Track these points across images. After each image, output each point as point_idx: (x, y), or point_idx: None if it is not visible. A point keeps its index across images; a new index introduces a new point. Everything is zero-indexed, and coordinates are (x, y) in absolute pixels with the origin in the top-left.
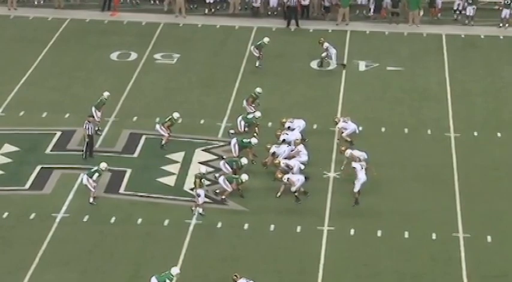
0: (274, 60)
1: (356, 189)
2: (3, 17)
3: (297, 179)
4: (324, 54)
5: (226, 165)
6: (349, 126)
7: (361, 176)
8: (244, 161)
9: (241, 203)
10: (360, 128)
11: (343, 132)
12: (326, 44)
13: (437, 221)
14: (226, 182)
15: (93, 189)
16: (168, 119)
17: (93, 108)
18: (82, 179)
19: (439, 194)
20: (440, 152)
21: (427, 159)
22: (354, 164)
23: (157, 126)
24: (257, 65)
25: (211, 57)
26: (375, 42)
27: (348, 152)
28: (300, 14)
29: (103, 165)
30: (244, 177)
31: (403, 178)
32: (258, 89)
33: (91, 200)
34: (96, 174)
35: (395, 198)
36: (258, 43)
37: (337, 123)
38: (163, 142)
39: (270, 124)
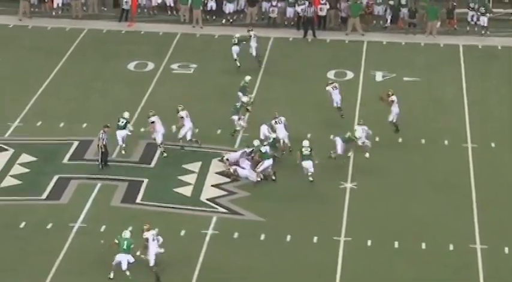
0: (290, 70)
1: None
2: (21, 27)
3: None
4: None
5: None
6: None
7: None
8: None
9: (258, 213)
10: (377, 139)
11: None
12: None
13: (454, 232)
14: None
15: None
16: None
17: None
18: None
19: (456, 205)
20: (458, 162)
21: (444, 170)
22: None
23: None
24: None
25: (228, 67)
26: (392, 52)
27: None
28: (317, 25)
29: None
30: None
31: (420, 188)
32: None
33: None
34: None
35: (412, 208)
36: (241, 85)
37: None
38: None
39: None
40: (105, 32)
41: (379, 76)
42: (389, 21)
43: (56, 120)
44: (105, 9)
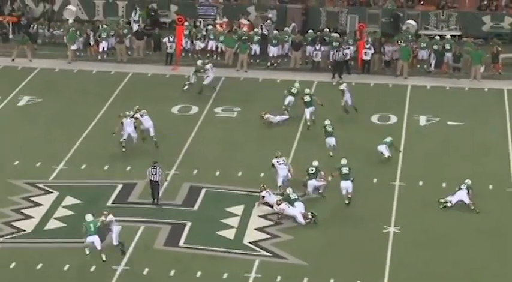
0: (334, 113)
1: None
2: (67, 71)
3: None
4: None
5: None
6: None
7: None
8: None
9: (301, 257)
10: (420, 182)
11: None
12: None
13: (500, 279)
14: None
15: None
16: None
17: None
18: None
19: (500, 250)
20: (502, 207)
21: (488, 215)
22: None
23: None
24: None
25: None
26: (436, 97)
27: None
28: (361, 69)
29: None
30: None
31: (465, 233)
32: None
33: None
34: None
35: (457, 254)
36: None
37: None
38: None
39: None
40: (150, 76)
41: (423, 120)
42: (433, 65)
43: (100, 163)
44: (150, 53)
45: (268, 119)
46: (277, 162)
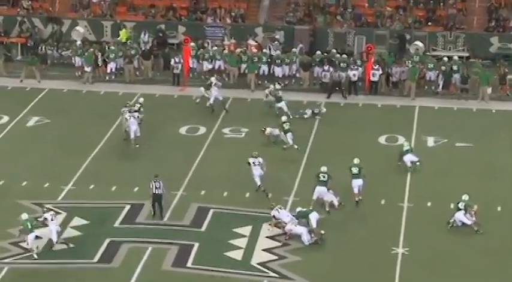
0: (342, 134)
1: None
2: (76, 91)
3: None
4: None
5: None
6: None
7: None
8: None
9: (309, 277)
10: (429, 204)
11: None
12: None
13: None
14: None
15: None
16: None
17: None
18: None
19: (509, 271)
20: (511, 228)
21: (496, 236)
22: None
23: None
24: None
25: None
26: (444, 118)
27: None
28: (369, 90)
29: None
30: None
31: (475, 255)
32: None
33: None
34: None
35: (467, 275)
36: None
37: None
38: None
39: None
40: (158, 96)
41: (430, 141)
42: (441, 86)
43: (108, 184)
44: (158, 74)
45: (271, 133)
46: (253, 162)
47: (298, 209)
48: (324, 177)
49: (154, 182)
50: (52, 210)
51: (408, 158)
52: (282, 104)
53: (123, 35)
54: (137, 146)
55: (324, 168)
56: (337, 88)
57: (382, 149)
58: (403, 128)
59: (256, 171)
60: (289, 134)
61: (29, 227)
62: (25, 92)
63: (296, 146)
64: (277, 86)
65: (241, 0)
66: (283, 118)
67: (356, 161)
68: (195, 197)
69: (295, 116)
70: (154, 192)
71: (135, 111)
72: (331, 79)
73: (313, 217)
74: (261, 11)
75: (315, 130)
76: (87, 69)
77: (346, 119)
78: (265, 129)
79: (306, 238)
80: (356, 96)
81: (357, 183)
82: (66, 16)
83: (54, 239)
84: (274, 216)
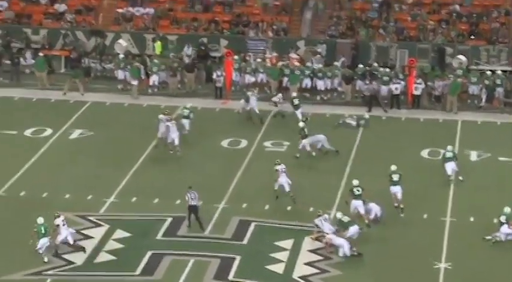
0: (384, 148)
1: None
2: (118, 104)
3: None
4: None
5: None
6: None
7: None
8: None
9: None
10: (471, 219)
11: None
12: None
13: None
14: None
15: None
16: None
17: None
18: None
19: None
20: None
21: None
22: None
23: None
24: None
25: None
26: (487, 132)
27: None
28: (411, 104)
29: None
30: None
31: None
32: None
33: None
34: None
35: None
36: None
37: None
38: None
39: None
40: (200, 109)
41: (474, 156)
42: (484, 100)
43: (150, 197)
44: (200, 86)
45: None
46: (281, 169)
47: (339, 215)
48: (358, 190)
49: (189, 193)
50: (62, 215)
51: (450, 166)
52: (298, 112)
53: (158, 47)
54: (178, 153)
55: (356, 182)
56: (374, 101)
57: (424, 162)
58: (446, 142)
59: (283, 178)
60: (306, 140)
61: (43, 231)
62: (68, 105)
63: (314, 153)
64: (294, 94)
65: (283, 14)
66: (301, 124)
67: (394, 167)
68: (236, 210)
69: (339, 123)
70: (190, 203)
71: (186, 116)
72: (368, 92)
73: (354, 230)
74: (303, 24)
75: (357, 143)
76: (134, 82)
77: (388, 133)
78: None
79: (346, 250)
80: (398, 110)
81: (397, 189)
82: (109, 29)
83: (71, 242)
84: (317, 225)
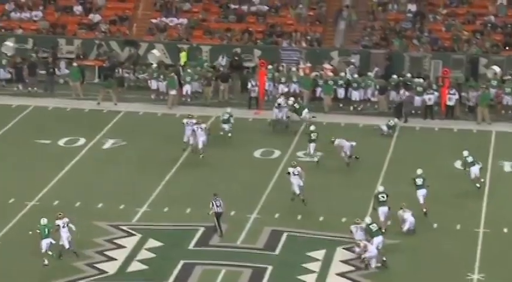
0: (417, 158)
1: None
2: (151, 114)
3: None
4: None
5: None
6: None
7: None
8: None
9: None
10: (505, 230)
11: None
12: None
13: None
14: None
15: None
16: None
17: None
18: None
19: None
20: None
21: None
22: None
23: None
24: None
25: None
26: None
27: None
28: (445, 114)
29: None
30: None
31: None
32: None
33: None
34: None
35: None
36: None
37: None
38: None
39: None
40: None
41: (507, 167)
42: None
43: (183, 206)
44: (231, 95)
45: (340, 143)
46: (293, 172)
47: (368, 220)
48: (383, 197)
49: (215, 200)
50: (65, 217)
51: (474, 170)
52: (305, 115)
53: (183, 57)
54: (201, 156)
55: (381, 188)
56: (401, 109)
57: (458, 173)
58: (480, 153)
59: (295, 181)
60: (312, 144)
61: (46, 232)
62: (102, 115)
63: (316, 159)
64: (291, 99)
65: (317, 24)
66: (312, 127)
67: (419, 171)
68: (268, 220)
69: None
70: (216, 211)
71: (226, 120)
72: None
73: (378, 240)
74: (337, 34)
75: (390, 153)
76: (172, 92)
77: (421, 143)
78: (334, 140)
79: (373, 264)
80: (432, 120)
81: (421, 193)
82: (143, 39)
83: (67, 245)
84: (351, 231)
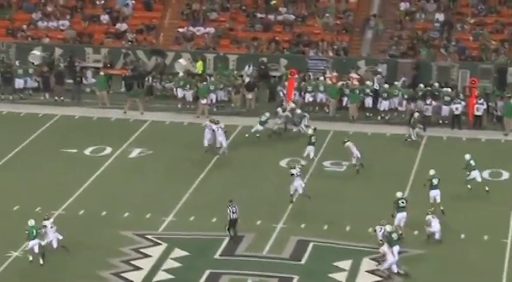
0: (444, 168)
1: None
2: (177, 123)
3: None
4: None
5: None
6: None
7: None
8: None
9: None
10: None
11: None
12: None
13: None
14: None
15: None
16: None
17: None
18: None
19: None
20: None
21: None
22: None
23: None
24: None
25: (380, 165)
26: None
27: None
28: (472, 124)
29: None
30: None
31: None
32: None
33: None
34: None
35: None
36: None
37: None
38: None
39: None
40: None
41: None
42: None
43: (208, 216)
44: (257, 104)
45: (349, 147)
46: (296, 173)
47: (389, 228)
48: (402, 203)
49: (231, 207)
50: (51, 218)
51: (475, 174)
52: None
53: (199, 67)
54: (219, 155)
55: (400, 194)
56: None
57: (485, 183)
58: (508, 163)
59: (297, 182)
60: (311, 147)
61: (34, 233)
62: (128, 124)
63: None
64: (292, 105)
65: (343, 33)
66: (311, 131)
67: (432, 172)
68: (295, 230)
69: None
70: (231, 217)
71: (262, 123)
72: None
73: (396, 250)
74: (364, 44)
75: (417, 162)
76: (203, 101)
77: (449, 153)
78: (347, 140)
79: (394, 268)
80: (459, 130)
81: (436, 193)
82: (169, 48)
83: (55, 246)
84: (374, 230)
